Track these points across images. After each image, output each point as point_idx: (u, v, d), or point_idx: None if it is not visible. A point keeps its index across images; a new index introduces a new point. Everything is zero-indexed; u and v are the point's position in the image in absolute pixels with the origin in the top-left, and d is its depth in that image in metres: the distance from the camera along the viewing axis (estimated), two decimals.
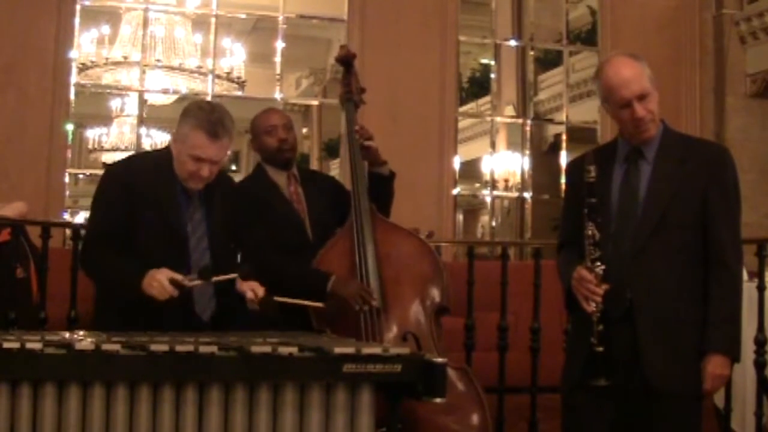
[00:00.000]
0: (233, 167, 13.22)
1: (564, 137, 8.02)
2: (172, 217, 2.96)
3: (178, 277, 2.77)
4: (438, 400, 2.36)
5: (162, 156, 3.05)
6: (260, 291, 2.93)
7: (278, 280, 3.11)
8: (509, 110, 9.73)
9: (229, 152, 3.03)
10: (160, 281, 2.74)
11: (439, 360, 2.35)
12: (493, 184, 8.60)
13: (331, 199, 3.50)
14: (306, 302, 3.01)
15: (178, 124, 2.97)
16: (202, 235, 3.00)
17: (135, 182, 2.97)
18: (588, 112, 8.39)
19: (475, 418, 3.23)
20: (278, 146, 3.46)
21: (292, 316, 3.10)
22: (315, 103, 11.18)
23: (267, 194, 3.44)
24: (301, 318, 3.17)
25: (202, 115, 2.90)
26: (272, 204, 3.42)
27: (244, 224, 3.33)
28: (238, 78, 8.96)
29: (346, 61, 3.57)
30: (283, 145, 3.46)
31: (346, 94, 3.56)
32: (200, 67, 8.81)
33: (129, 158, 3.52)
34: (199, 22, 8.57)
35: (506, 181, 9.54)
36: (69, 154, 6.77)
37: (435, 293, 3.35)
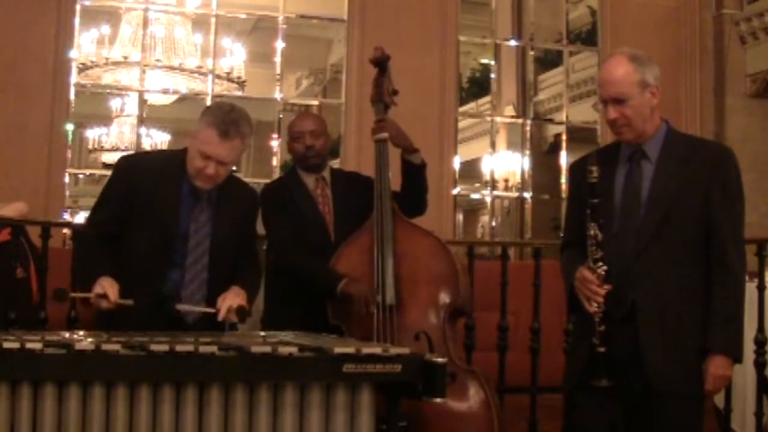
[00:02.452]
0: (233, 167, 13.11)
1: (564, 137, 8.00)
2: (167, 215, 2.96)
3: (106, 303, 2.79)
4: (438, 400, 2.36)
5: (175, 155, 3.07)
6: (226, 305, 2.89)
7: (295, 275, 3.33)
8: (509, 110, 9.72)
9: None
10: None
11: (439, 360, 2.35)
12: (493, 184, 8.59)
13: (362, 202, 3.50)
14: (203, 309, 2.96)
15: (198, 121, 3.00)
16: (204, 237, 3.00)
17: (137, 178, 3.00)
18: (588, 112, 8.39)
19: (481, 421, 3.22)
20: (304, 153, 3.57)
21: (310, 316, 3.21)
22: (315, 103, 11.12)
23: (293, 194, 3.55)
24: (320, 317, 3.27)
25: (218, 114, 2.93)
26: (297, 203, 3.53)
27: (269, 220, 3.46)
28: (238, 78, 8.95)
29: (379, 63, 3.60)
30: (308, 152, 3.56)
31: (377, 96, 3.60)
32: (200, 67, 8.80)
33: (142, 153, 3.58)
34: (199, 22, 8.56)
35: (506, 181, 9.54)
36: (69, 154, 6.73)
37: (451, 294, 3.34)
